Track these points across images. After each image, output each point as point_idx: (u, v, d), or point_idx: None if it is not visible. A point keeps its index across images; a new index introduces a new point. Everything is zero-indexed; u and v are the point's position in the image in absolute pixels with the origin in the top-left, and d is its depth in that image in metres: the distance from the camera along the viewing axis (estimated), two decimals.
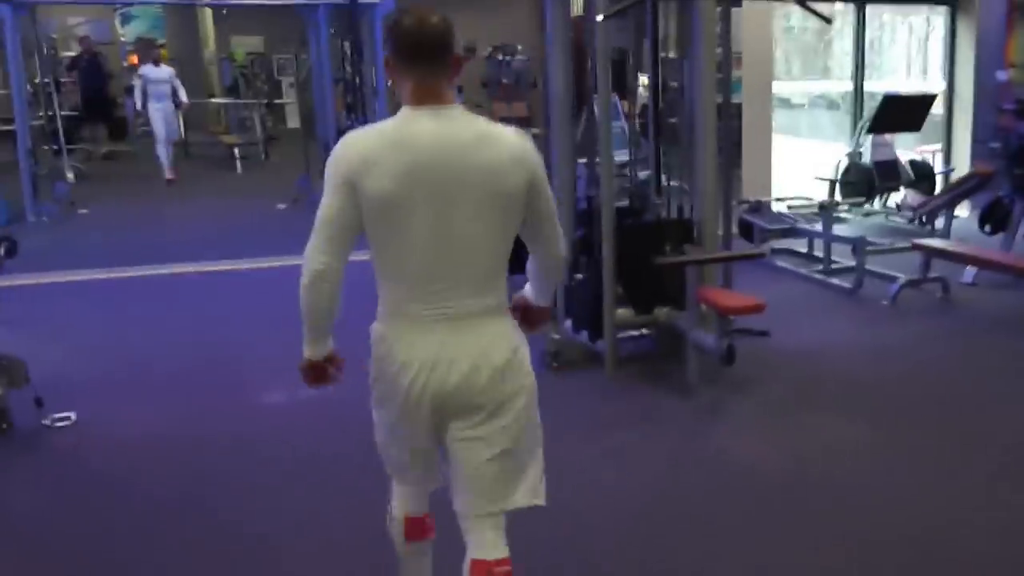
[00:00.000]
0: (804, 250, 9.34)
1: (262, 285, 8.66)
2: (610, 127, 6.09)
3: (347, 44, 12.85)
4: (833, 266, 8.71)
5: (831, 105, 18.17)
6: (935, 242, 7.96)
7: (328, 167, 2.69)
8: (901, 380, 6.08)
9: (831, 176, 10.77)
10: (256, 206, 12.86)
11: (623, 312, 6.24)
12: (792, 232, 9.17)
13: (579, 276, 6.41)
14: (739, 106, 9.92)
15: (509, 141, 2.74)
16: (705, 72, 6.05)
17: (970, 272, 8.23)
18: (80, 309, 7.94)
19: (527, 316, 3.11)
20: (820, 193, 10.66)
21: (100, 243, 10.62)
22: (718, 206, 6.34)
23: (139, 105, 14.86)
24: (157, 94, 14.81)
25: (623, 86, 10.76)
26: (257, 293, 8.41)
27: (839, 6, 11.65)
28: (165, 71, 15.14)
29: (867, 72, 11.81)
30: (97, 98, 17.47)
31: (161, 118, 14.70)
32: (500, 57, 18.81)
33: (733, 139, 6.17)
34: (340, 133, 11.88)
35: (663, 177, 6.54)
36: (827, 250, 8.74)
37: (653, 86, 6.64)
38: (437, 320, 2.72)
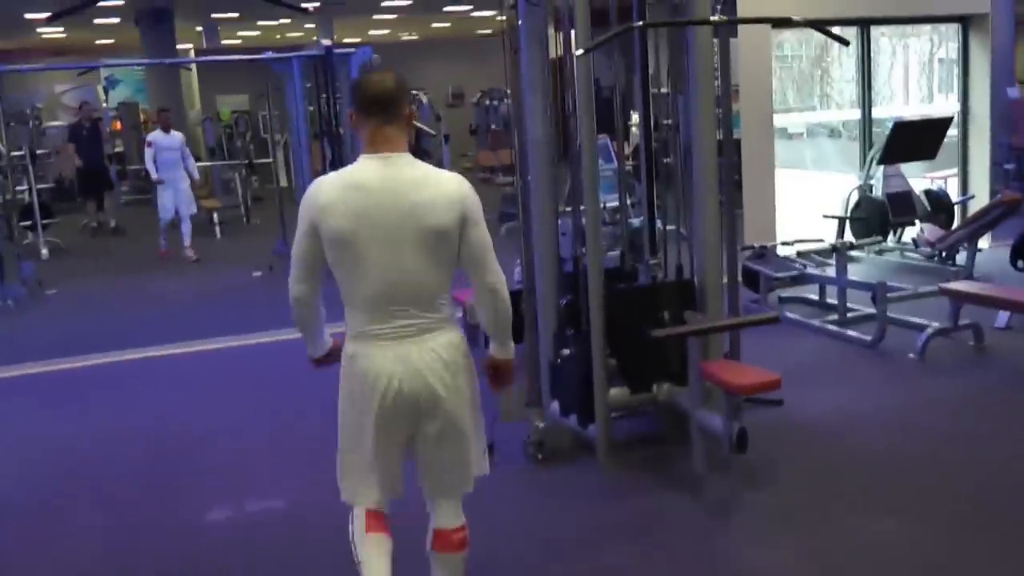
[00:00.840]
0: (815, 297, 8.59)
1: (228, 368, 7.94)
2: (596, 174, 5.35)
3: (323, 97, 12.24)
4: (849, 315, 7.94)
5: (832, 133, 17.45)
6: (965, 286, 7.17)
7: (299, 210, 3.28)
8: (943, 457, 5.30)
9: (840, 212, 10.03)
10: (231, 276, 12.13)
11: (617, 391, 5.48)
12: (802, 279, 8.42)
13: (565, 352, 5.65)
14: (738, 142, 9.18)
15: (446, 183, 3.30)
16: (702, 107, 5.34)
17: (1003, 316, 7.46)
18: (20, 409, 7.21)
19: (493, 375, 3.62)
20: (828, 232, 9.93)
21: (58, 330, 9.84)
22: (720, 259, 5.57)
23: (155, 175, 13.09)
24: (166, 162, 13.18)
25: (613, 127, 10.04)
26: (222, 377, 7.67)
27: (834, 29, 10.92)
28: (176, 138, 13.45)
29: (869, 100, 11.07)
30: (96, 168, 16.24)
31: (171, 192, 13.18)
32: (488, 103, 18.16)
33: (734, 179, 5.39)
34: None
35: (659, 225, 5.81)
36: (842, 297, 7.98)
37: (644, 124, 5.92)
38: (397, 337, 3.28)
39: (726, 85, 5.61)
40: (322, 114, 12.40)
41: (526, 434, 5.55)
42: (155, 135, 13.37)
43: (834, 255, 8.15)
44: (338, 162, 12.14)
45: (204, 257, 13.19)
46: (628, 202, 6.64)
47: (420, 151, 18.64)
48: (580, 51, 4.94)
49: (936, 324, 7.10)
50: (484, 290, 3.39)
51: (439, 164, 20.44)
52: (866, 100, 10.74)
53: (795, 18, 5.03)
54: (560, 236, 5.91)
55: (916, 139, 9.69)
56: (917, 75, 12.42)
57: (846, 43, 5.61)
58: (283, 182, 15.52)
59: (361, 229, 3.17)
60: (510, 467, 5.32)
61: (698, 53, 5.32)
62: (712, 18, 5.00)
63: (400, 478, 3.46)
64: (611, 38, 5.09)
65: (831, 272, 8.39)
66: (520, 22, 5.51)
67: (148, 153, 13.21)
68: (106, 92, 23.56)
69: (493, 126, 18.85)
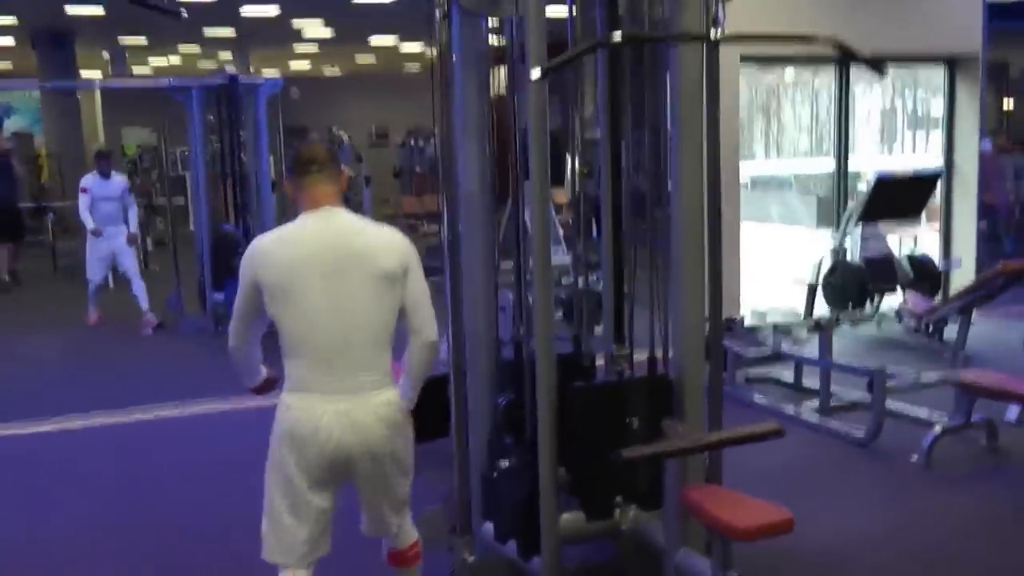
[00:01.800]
0: (788, 378, 7.40)
1: (103, 449, 6.63)
2: (547, 233, 4.07)
3: (226, 133, 10.87)
4: (832, 402, 6.75)
5: (781, 186, 16.40)
6: (985, 377, 5.95)
7: (240, 268, 3.46)
8: None
9: (811, 279, 8.88)
10: (118, 334, 10.59)
11: (569, 518, 4.19)
12: (776, 358, 7.23)
13: (503, 464, 4.35)
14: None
15: (384, 232, 3.54)
16: (686, 152, 4.09)
17: (1014, 409, 6.32)
18: None
19: None
20: (793, 298, 8.80)
21: None
22: (702, 349, 4.29)
23: (90, 225, 10.54)
24: (103, 216, 10.58)
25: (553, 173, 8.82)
26: (94, 461, 6.33)
27: (789, 71, 9.88)
28: (117, 184, 10.83)
29: (823, 148, 9.93)
30: (7, 209, 13.90)
31: (105, 247, 10.62)
32: (413, 143, 16.92)
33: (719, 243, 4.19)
34: (219, 239, 10.21)
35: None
36: (825, 382, 6.78)
37: (613, 161, 4.65)
38: (337, 391, 3.38)
39: (714, 126, 4.36)
40: (224, 151, 11.01)
41: (450, 568, 4.29)
42: (90, 180, 10.70)
43: (817, 331, 6.95)
44: (242, 206, 10.82)
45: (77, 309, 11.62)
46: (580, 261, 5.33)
47: None
48: (536, 73, 3.67)
49: (943, 420, 5.93)
50: (419, 341, 3.52)
51: (359, 209, 19.21)
52: (842, 150, 9.54)
53: (823, 36, 3.83)
54: (499, 312, 4.65)
55: (900, 197, 8.60)
56: (885, 123, 11.37)
57: (883, 73, 4.43)
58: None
59: (298, 280, 3.34)
60: None
61: (684, 82, 4.08)
62: (712, 33, 3.78)
63: (328, 534, 3.52)
64: (578, 55, 3.86)
65: (810, 349, 7.22)
66: (455, 52, 4.28)
67: (83, 200, 10.60)
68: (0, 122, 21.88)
69: (418, 169, 17.61)
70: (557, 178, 8.21)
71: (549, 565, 4.04)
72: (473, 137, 4.39)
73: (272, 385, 3.72)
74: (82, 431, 7.03)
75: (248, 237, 10.33)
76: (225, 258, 10.24)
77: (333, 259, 3.35)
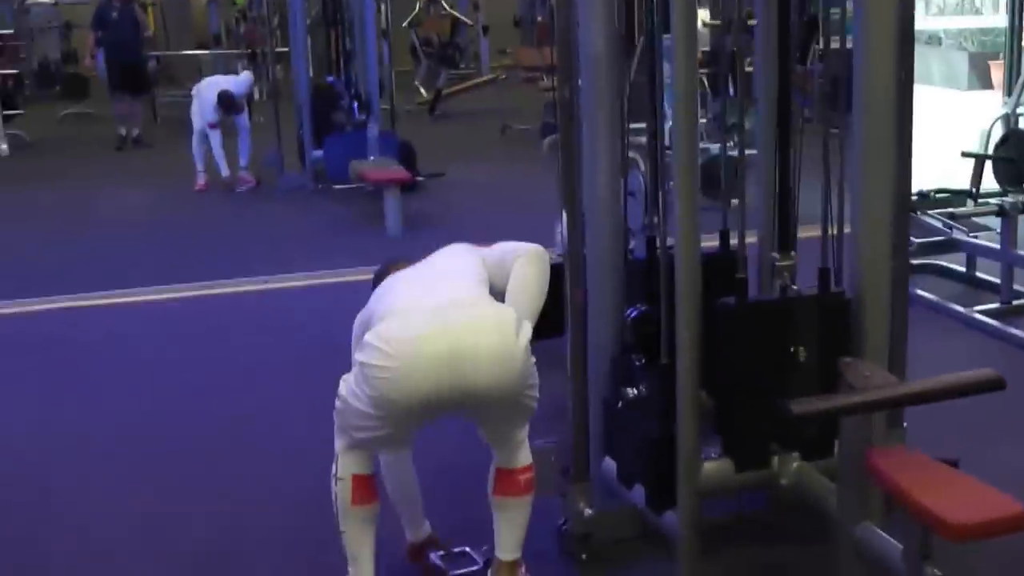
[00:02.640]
0: (960, 268, 6.37)
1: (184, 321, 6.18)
2: (693, 96, 3.10)
3: None
4: (1015, 301, 5.73)
5: (930, 40, 14.95)
6: None
7: None
8: None
9: (979, 149, 7.69)
10: (219, 199, 9.97)
11: (714, 466, 3.35)
12: (947, 246, 6.20)
13: (631, 393, 3.50)
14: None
15: None
16: None
17: None
18: None
19: None
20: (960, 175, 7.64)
21: None
22: (888, 259, 3.30)
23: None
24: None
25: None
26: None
27: None
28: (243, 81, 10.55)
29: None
30: (131, 62, 12.93)
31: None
32: None
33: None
34: (319, 92, 9.41)
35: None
36: (1007, 278, 5.75)
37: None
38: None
39: None
40: None
41: (562, 520, 3.51)
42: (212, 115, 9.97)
43: (1001, 218, 5.87)
44: (346, 56, 10.03)
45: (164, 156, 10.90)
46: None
47: (453, 45, 16.37)
48: None
49: None
50: (521, 267, 3.23)
51: (475, 60, 18.24)
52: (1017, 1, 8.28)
53: None
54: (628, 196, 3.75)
55: None
56: None
57: None
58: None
59: None
60: (540, 570, 3.34)
61: None
62: None
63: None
64: None
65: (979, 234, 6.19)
66: None
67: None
68: None
69: (540, 18, 16.46)
70: None
71: (687, 523, 3.22)
72: None
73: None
74: (152, 305, 6.47)
75: (350, 88, 9.62)
76: (325, 112, 9.56)
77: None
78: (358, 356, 2.91)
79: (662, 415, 3.31)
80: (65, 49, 17.40)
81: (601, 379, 3.62)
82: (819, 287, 3.29)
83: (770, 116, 3.61)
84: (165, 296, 6.59)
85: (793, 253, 3.41)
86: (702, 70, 7.81)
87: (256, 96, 14.78)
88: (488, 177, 10.87)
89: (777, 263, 3.38)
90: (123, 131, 12.92)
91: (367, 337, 2.89)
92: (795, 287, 3.33)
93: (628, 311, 3.55)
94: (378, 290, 3.21)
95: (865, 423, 2.94)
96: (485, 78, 15.84)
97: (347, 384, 2.97)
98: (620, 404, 3.54)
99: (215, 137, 9.94)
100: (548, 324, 3.30)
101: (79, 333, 6.04)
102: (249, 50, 15.66)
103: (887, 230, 3.10)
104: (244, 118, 10.21)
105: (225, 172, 10.16)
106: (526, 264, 3.18)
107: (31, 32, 16.79)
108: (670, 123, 3.15)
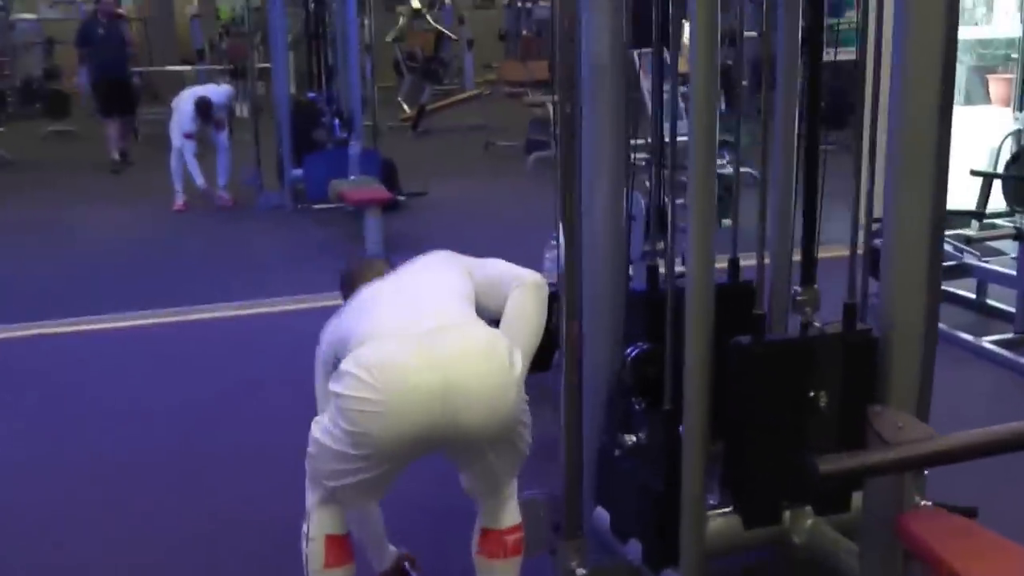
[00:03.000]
0: (968, 293, 6.08)
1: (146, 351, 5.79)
2: (714, 74, 2.76)
3: None
4: None
5: None
6: None
7: None
8: None
9: (988, 167, 7.40)
10: (198, 219, 9.67)
11: (721, 523, 3.04)
12: (958, 271, 5.91)
13: (629, 440, 3.19)
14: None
15: None
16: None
17: None
18: None
19: None
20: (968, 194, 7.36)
21: None
22: (924, 288, 2.94)
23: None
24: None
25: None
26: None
27: None
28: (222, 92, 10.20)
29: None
30: (120, 81, 12.48)
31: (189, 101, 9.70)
32: (521, 4, 15.57)
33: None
34: (299, 108, 9.14)
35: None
36: (1022, 306, 5.46)
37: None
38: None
39: None
40: (309, 10, 9.96)
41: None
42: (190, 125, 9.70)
43: (1011, 237, 5.59)
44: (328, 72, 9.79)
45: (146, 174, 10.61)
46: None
47: (437, 60, 16.11)
48: None
49: None
50: (517, 295, 2.93)
51: (459, 75, 17.98)
52: None
53: None
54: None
55: None
56: None
57: None
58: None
59: None
60: None
61: None
62: None
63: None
64: None
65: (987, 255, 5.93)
66: None
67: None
68: None
69: (526, 31, 16.24)
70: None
71: None
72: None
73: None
74: (126, 331, 6.19)
75: (332, 105, 9.36)
76: (306, 130, 9.29)
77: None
78: (333, 387, 2.58)
79: (664, 465, 3.00)
80: (48, 66, 17.10)
81: (596, 423, 3.31)
82: (844, 324, 2.97)
83: (788, 133, 3.32)
84: (139, 322, 6.30)
85: (816, 287, 3.06)
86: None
87: (238, 112, 14.54)
88: (472, 195, 10.60)
89: (799, 297, 3.04)
90: (116, 155, 12.53)
91: (344, 365, 2.56)
92: (817, 324, 2.99)
93: (628, 349, 3.23)
94: (353, 304, 2.87)
95: (897, 482, 2.62)
96: (469, 93, 15.59)
97: (319, 424, 2.68)
98: (617, 452, 3.23)
99: (189, 148, 9.60)
100: (536, 357, 2.98)
101: (50, 361, 5.76)
102: (232, 65, 15.36)
103: (923, 262, 2.78)
104: (224, 136, 9.88)
105: (200, 182, 9.81)
106: (525, 294, 2.88)
107: (14, 49, 16.45)
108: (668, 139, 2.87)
